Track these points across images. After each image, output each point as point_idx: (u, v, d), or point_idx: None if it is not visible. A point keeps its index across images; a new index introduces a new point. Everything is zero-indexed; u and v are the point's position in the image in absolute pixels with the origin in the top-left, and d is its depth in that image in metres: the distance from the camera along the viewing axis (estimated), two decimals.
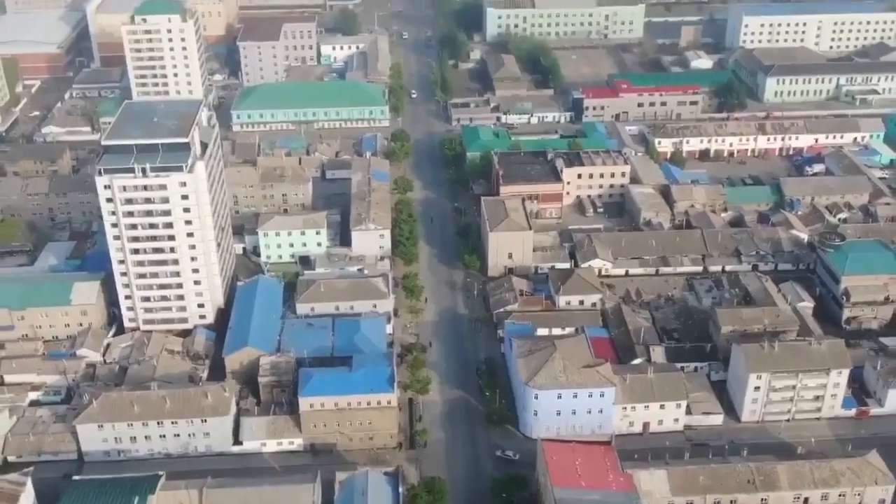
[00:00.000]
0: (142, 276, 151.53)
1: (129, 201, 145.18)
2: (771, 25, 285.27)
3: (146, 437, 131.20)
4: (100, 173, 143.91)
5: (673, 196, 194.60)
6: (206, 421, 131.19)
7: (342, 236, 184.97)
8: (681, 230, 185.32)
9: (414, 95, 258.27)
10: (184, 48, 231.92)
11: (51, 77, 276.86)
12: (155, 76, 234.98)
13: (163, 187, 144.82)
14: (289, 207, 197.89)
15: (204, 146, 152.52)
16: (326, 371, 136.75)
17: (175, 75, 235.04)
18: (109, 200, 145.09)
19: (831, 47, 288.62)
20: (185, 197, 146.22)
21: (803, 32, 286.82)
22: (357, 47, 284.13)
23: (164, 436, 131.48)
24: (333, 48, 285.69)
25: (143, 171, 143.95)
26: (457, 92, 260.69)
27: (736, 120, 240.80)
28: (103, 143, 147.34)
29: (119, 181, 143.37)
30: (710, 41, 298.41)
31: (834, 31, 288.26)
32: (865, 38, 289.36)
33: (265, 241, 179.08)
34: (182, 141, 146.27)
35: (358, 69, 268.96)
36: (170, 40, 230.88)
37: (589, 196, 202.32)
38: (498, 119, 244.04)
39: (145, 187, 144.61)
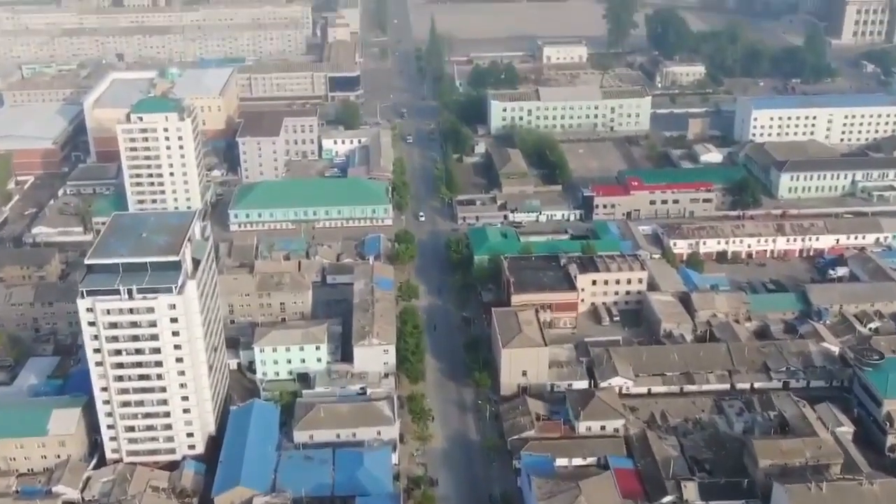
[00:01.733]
0: (126, 404, 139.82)
1: (114, 325, 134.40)
2: (780, 119, 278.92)
3: None
4: (82, 295, 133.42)
5: (694, 305, 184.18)
6: None
7: (343, 349, 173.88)
8: (704, 343, 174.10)
9: (422, 218, 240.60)
10: (181, 147, 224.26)
11: (45, 173, 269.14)
12: (150, 175, 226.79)
13: (150, 310, 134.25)
14: (287, 316, 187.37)
15: (196, 263, 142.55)
16: None
17: (171, 174, 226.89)
18: (92, 324, 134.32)
19: (842, 140, 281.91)
20: (174, 320, 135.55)
21: (813, 125, 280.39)
22: (359, 141, 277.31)
23: None
24: (335, 142, 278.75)
25: (129, 292, 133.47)
26: (462, 188, 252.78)
27: (751, 219, 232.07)
28: (87, 262, 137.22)
29: (102, 304, 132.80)
30: (718, 133, 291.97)
31: (845, 125, 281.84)
32: (877, 132, 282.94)
33: (261, 358, 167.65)
34: (172, 259, 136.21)
35: (360, 165, 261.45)
36: (166, 139, 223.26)
37: (604, 303, 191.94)
38: (505, 217, 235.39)
39: (131, 310, 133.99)
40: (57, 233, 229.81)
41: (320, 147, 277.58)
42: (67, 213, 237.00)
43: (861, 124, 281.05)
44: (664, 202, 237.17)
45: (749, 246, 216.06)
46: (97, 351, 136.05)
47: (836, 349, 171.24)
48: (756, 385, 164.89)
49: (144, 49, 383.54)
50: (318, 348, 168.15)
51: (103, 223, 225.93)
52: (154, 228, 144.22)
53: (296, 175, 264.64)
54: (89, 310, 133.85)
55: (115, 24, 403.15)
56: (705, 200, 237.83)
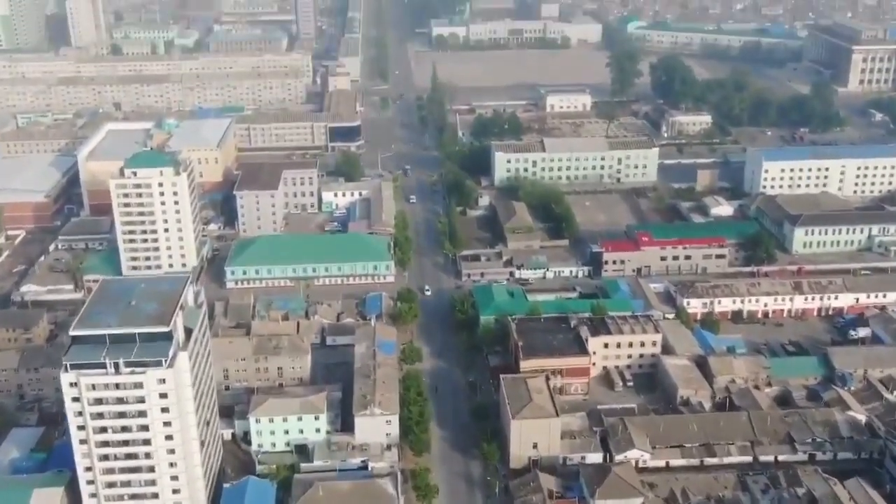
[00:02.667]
0: (111, 484, 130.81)
1: (99, 401, 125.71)
2: (792, 170, 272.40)
3: None
4: (66, 369, 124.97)
5: (711, 369, 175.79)
6: None
7: (344, 417, 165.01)
8: (724, 412, 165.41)
9: (428, 292, 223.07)
10: (176, 203, 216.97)
11: (37, 227, 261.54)
12: (144, 232, 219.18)
13: (138, 385, 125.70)
14: (285, 381, 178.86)
15: (188, 332, 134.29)
16: None
17: (166, 231, 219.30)
18: (76, 400, 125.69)
19: (855, 192, 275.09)
20: (163, 395, 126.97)
21: (826, 177, 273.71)
22: (360, 194, 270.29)
23: None
24: (335, 195, 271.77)
25: (116, 366, 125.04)
26: (466, 242, 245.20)
27: (766, 275, 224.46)
28: (72, 333, 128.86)
29: (87, 379, 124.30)
30: (727, 185, 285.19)
31: (858, 176, 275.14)
32: (891, 183, 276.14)
33: (257, 429, 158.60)
34: (162, 330, 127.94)
35: (361, 218, 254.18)
36: (161, 194, 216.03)
37: (617, 367, 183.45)
38: (511, 274, 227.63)
39: (118, 385, 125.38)
40: (46, 291, 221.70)
41: (320, 200, 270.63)
42: (58, 271, 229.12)
43: (875, 176, 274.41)
44: (676, 258, 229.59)
45: (765, 305, 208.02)
46: (81, 428, 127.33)
47: (863, 418, 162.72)
48: (780, 457, 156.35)
49: (142, 98, 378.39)
50: (317, 418, 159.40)
51: (95, 281, 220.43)
52: (144, 295, 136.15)
53: (295, 229, 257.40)
54: (73, 384, 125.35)
55: (113, 73, 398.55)
56: (718, 256, 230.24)
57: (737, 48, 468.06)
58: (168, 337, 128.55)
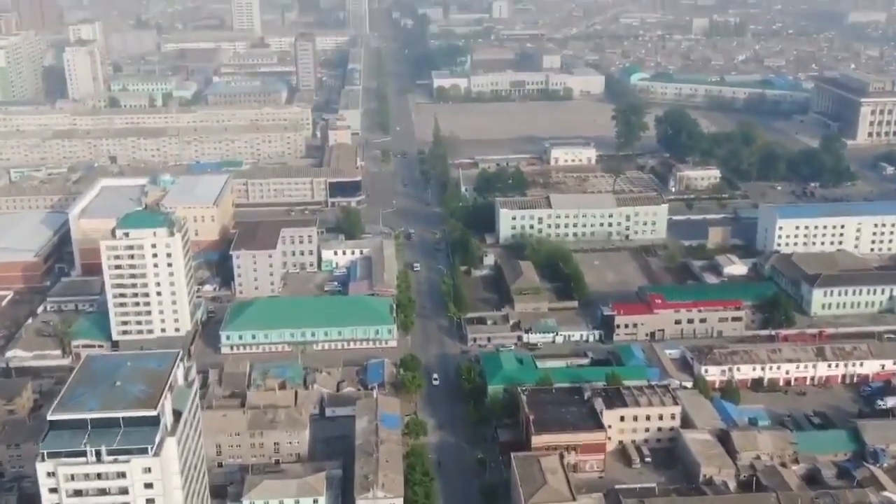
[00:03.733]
0: None
1: (79, 493, 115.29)
2: (807, 228, 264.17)
3: None
4: (42, 458, 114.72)
5: (735, 445, 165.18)
6: None
7: (344, 498, 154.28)
8: (751, 493, 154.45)
9: (436, 381, 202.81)
10: (169, 265, 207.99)
11: (26, 287, 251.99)
12: (136, 295, 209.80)
13: (121, 475, 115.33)
14: (282, 457, 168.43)
15: (177, 415, 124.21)
16: None
17: (159, 294, 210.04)
18: (53, 491, 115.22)
19: (872, 250, 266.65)
20: (149, 485, 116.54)
21: (841, 235, 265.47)
22: (361, 252, 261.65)
23: None
24: (335, 253, 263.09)
25: (98, 454, 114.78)
26: (471, 304, 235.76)
27: (785, 339, 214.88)
28: (49, 417, 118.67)
29: (66, 469, 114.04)
30: (740, 242, 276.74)
31: (875, 234, 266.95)
32: None
33: None
34: (149, 414, 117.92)
35: (362, 279, 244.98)
36: (154, 256, 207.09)
37: (634, 442, 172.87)
38: (519, 339, 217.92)
39: (99, 475, 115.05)
40: (33, 357, 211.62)
41: (319, 258, 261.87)
42: (45, 335, 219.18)
43: (892, 233, 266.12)
44: (690, 321, 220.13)
45: (787, 372, 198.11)
46: None
47: None
48: None
49: (138, 151, 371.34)
50: (315, 501, 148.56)
51: (84, 346, 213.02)
52: (130, 375, 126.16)
53: (294, 289, 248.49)
54: (50, 474, 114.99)
55: (110, 126, 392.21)
56: (735, 319, 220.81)
57: (742, 100, 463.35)
58: (155, 421, 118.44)
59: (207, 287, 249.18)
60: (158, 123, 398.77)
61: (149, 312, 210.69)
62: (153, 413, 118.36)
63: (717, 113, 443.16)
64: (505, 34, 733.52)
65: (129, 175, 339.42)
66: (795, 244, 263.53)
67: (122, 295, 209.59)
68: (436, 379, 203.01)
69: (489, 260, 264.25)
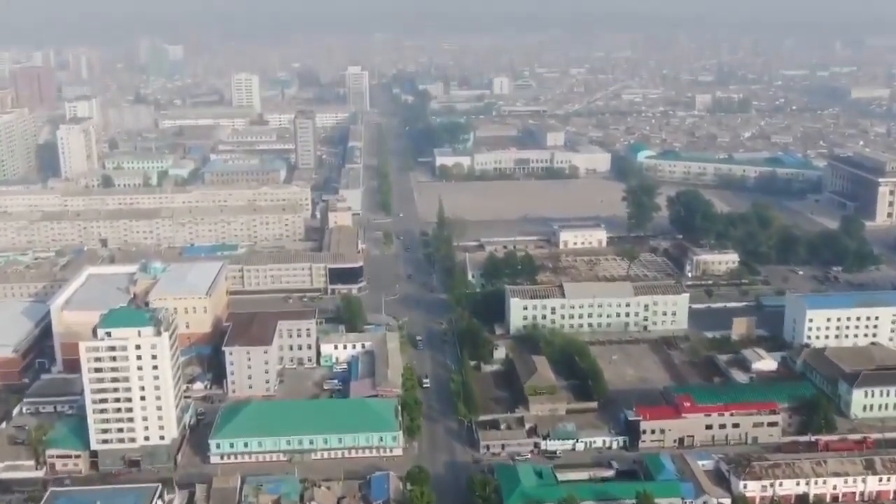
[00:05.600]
0: None
1: None
2: (839, 319, 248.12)
3: None
4: None
5: None
6: None
7: None
8: None
9: (426, 384, 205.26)
10: (155, 367, 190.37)
11: (3, 384, 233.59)
12: (118, 401, 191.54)
13: None
14: None
15: None
16: None
17: (143, 399, 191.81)
18: None
19: None
20: None
21: (875, 327, 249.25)
22: (363, 346, 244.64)
23: None
24: (335, 347, 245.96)
25: None
26: (482, 404, 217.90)
27: (826, 447, 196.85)
28: None
29: None
30: (765, 334, 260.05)
31: None
32: None
33: None
34: None
35: (364, 377, 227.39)
36: (138, 358, 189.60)
37: None
38: (536, 445, 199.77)
39: None
40: (4, 468, 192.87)
41: (318, 352, 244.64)
42: (18, 443, 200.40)
43: None
44: (722, 426, 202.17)
45: (834, 487, 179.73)
46: None
47: None
48: None
49: (130, 234, 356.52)
50: None
51: (59, 456, 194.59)
52: None
53: (291, 387, 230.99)
54: None
55: (101, 207, 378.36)
56: (770, 424, 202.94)
57: (752, 178, 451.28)
58: None
59: (198, 384, 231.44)
60: (152, 204, 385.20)
61: (131, 419, 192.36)
62: None
63: (728, 192, 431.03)
64: (506, 110, 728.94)
65: (119, 259, 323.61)
66: (826, 336, 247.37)
67: (103, 400, 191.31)
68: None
69: (500, 353, 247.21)
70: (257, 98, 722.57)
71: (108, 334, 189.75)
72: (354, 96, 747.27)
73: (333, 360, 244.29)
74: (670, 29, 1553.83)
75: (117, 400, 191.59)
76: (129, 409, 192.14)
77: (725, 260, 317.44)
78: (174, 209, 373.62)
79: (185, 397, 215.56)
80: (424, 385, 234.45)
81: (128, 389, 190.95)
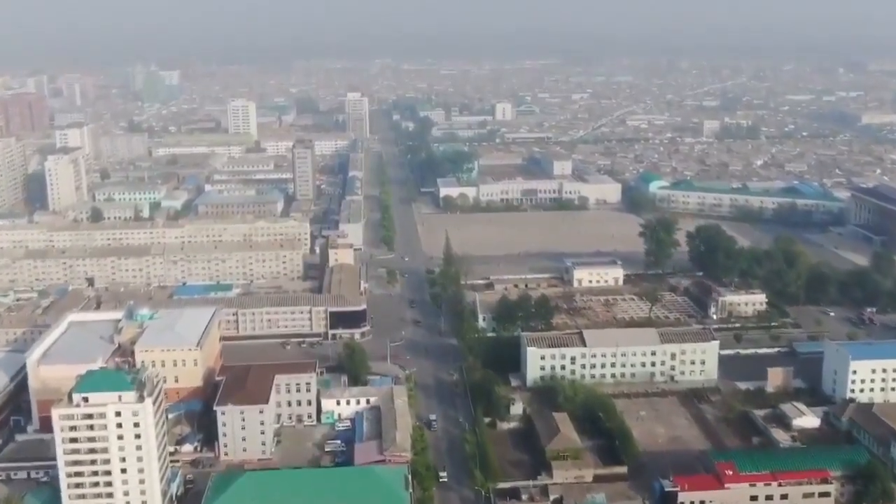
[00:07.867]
0: None
1: None
2: (885, 371, 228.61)
3: None
4: None
5: None
6: None
7: None
8: None
9: (443, 478, 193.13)
10: (137, 436, 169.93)
11: None
12: (95, 473, 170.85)
13: None
14: None
15: None
16: None
17: (123, 471, 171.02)
18: None
19: None
20: None
21: None
22: (367, 401, 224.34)
23: None
24: (338, 402, 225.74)
25: None
26: (499, 468, 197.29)
27: None
28: None
29: None
30: (802, 385, 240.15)
31: None
32: None
33: None
34: None
35: (369, 438, 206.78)
36: (118, 426, 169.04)
37: None
38: None
39: None
40: None
41: (319, 409, 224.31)
42: None
43: None
44: (769, 497, 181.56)
45: None
46: None
47: None
48: None
49: (118, 273, 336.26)
50: None
51: None
52: None
53: (288, 449, 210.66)
54: None
55: (89, 243, 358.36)
56: (822, 495, 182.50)
57: (771, 210, 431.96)
58: None
59: (187, 446, 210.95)
60: (143, 239, 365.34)
61: (111, 494, 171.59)
62: None
63: (745, 224, 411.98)
64: (510, 137, 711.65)
65: (106, 300, 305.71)
66: (871, 390, 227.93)
67: (79, 473, 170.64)
68: (443, 476, 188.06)
69: (517, 409, 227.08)
70: (254, 125, 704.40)
71: (86, 399, 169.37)
72: (354, 123, 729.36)
73: (335, 416, 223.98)
74: (669, 54, 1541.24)
75: (95, 473, 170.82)
76: (109, 483, 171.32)
77: (753, 300, 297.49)
78: (165, 245, 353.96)
79: (173, 462, 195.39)
80: (433, 427, 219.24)
81: (106, 461, 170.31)
